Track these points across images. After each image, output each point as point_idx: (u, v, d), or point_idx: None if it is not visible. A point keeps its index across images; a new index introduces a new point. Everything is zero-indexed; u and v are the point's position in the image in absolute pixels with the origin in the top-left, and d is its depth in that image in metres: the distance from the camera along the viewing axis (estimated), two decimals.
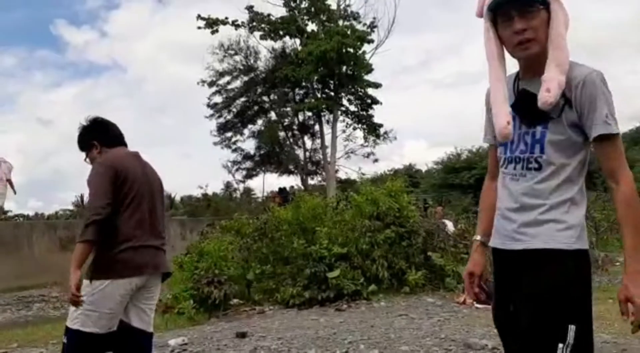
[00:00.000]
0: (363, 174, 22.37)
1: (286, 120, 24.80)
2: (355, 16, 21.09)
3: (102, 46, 49.13)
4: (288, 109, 24.34)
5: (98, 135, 3.04)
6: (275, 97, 23.84)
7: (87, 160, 3.04)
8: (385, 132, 22.38)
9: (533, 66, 1.72)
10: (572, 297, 1.67)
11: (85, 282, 2.66)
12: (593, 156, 1.76)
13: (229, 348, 4.83)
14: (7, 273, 10.02)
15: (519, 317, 1.74)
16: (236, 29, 21.06)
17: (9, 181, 10.06)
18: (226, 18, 20.46)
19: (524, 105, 1.75)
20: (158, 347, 5.07)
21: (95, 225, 2.59)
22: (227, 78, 23.77)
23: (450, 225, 9.74)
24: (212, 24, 20.34)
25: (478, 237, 1.99)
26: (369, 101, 21.72)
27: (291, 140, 25.20)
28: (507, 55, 1.80)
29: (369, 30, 20.83)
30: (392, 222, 8.06)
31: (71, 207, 24.91)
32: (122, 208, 2.73)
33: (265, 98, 24.25)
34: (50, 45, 54.10)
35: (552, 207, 1.70)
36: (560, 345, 1.63)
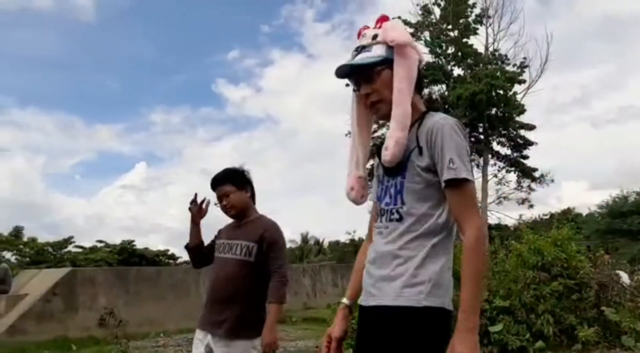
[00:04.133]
0: (522, 222, 21.31)
1: None
2: (504, 59, 20.61)
3: (258, 101, 53.52)
4: None
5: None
6: None
7: (226, 199, 3.00)
8: (542, 175, 21.20)
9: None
10: None
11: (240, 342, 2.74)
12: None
13: None
14: (178, 315, 10.88)
15: None
16: None
17: None
18: None
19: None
20: None
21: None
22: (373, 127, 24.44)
23: (625, 277, 8.75)
24: None
25: (344, 301, 1.92)
26: (521, 143, 20.81)
27: None
28: None
29: (519, 70, 20.19)
30: (559, 273, 7.49)
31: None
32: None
33: None
34: (212, 103, 60.37)
35: (405, 261, 1.65)
36: None
